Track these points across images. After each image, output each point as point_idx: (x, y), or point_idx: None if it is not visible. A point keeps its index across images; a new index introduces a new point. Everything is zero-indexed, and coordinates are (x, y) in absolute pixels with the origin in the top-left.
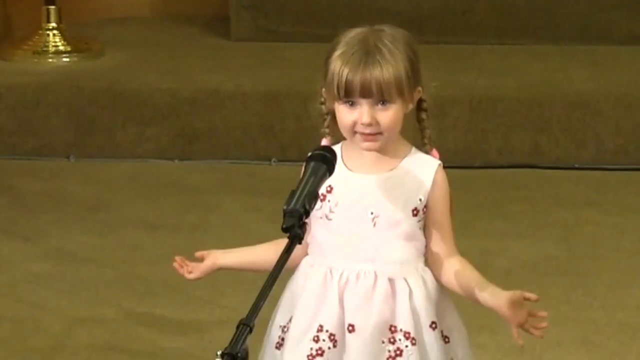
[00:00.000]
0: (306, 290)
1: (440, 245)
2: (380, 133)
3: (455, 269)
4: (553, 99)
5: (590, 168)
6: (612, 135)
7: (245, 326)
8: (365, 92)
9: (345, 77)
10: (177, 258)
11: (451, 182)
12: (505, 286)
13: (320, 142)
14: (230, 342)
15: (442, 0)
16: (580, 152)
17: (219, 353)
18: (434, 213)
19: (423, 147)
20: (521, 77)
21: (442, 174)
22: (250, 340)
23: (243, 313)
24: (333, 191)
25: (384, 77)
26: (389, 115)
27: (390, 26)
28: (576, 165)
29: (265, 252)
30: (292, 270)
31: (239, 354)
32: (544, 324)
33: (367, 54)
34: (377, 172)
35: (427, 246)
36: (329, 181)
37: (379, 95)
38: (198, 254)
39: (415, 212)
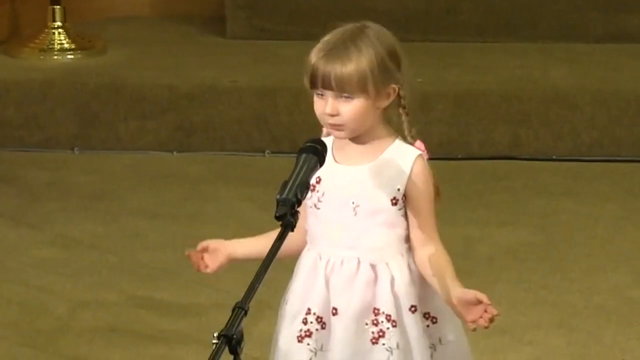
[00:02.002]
0: (298, 275)
1: (416, 232)
2: (344, 124)
3: (424, 258)
4: (532, 94)
5: (567, 159)
6: (588, 129)
7: (241, 309)
8: (326, 84)
9: (311, 68)
10: (192, 254)
11: (435, 173)
12: (487, 272)
13: (317, 133)
14: (227, 324)
15: (427, 0)
16: (558, 145)
17: (215, 334)
18: (413, 202)
19: (406, 141)
20: (502, 73)
21: (420, 164)
22: (245, 322)
23: (239, 296)
24: (321, 182)
25: (342, 72)
26: (349, 108)
27: (374, 25)
28: (554, 157)
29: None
30: (289, 256)
31: (235, 336)
32: (489, 316)
33: (333, 48)
34: (360, 163)
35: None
36: (318, 172)
37: (339, 89)
38: (204, 243)
39: (394, 201)
